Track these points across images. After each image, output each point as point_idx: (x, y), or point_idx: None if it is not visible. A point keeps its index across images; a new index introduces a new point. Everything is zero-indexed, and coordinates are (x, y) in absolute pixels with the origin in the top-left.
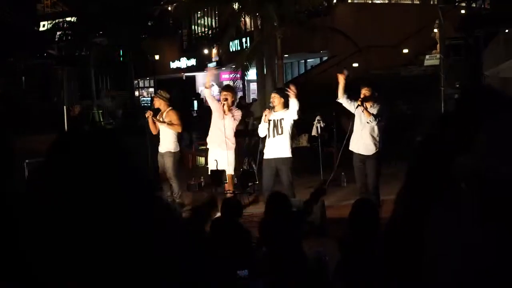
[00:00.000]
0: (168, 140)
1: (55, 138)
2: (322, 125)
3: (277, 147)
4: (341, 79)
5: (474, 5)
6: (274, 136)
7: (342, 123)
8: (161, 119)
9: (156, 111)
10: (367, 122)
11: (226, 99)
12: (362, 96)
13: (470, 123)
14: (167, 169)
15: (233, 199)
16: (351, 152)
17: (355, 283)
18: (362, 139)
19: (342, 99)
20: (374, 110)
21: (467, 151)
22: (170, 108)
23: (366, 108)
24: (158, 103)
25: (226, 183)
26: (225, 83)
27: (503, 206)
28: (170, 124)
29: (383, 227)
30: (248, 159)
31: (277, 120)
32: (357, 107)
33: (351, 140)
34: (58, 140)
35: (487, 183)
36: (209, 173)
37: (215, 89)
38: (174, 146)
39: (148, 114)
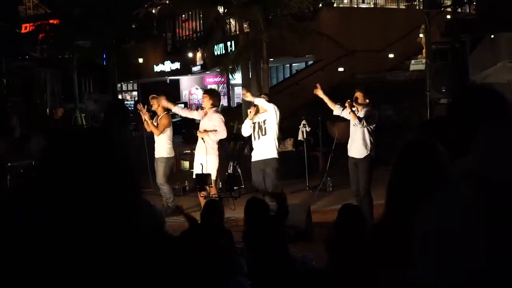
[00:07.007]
0: (161, 146)
1: (50, 139)
2: (307, 130)
3: (263, 148)
4: (319, 93)
5: (460, 10)
6: (259, 137)
7: (328, 128)
8: (154, 124)
9: (154, 114)
10: (353, 125)
11: (203, 101)
12: (354, 97)
13: (469, 124)
14: (157, 173)
15: (214, 201)
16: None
17: (345, 284)
18: (354, 142)
19: (338, 111)
20: (361, 113)
21: (466, 152)
22: (165, 113)
23: (352, 111)
24: (156, 106)
25: (212, 187)
26: (209, 87)
27: (503, 207)
28: (155, 127)
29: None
30: (233, 163)
31: (261, 122)
32: (343, 109)
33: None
34: (53, 141)
35: (486, 184)
36: (194, 176)
37: (200, 92)
38: (167, 152)
39: (147, 117)
